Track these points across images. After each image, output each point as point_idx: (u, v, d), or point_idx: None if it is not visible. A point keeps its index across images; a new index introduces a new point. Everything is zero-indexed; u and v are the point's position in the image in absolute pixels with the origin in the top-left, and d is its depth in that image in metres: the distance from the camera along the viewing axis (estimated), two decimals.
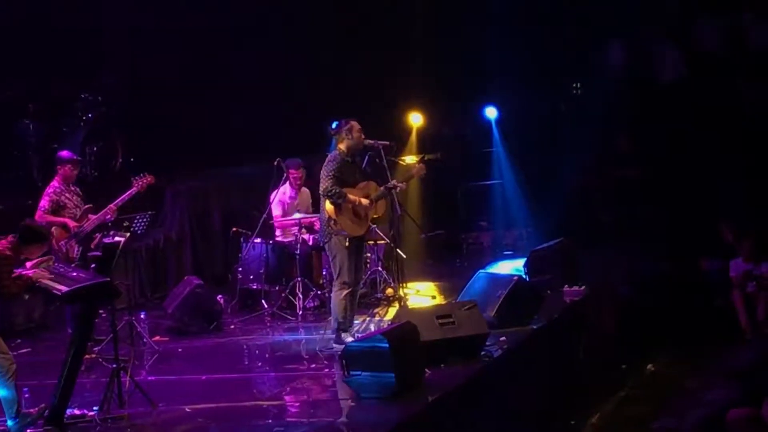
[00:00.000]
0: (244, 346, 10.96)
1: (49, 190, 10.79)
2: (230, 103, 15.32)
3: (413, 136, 15.93)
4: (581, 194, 15.63)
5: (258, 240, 12.21)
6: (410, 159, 14.13)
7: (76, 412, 8.28)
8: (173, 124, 14.63)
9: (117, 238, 9.65)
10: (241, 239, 12.48)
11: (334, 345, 10.12)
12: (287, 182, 12.43)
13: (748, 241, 12.49)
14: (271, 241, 12.33)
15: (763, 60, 15.79)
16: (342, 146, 10.18)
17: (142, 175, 10.91)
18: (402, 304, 11.51)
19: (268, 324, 11.76)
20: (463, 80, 16.52)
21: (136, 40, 14.74)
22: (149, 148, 14.09)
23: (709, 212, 13.83)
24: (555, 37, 16.25)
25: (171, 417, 8.42)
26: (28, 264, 8.20)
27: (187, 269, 13.56)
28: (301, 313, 11.79)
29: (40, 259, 8.26)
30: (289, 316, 11.81)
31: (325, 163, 10.15)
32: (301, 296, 11.85)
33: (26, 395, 8.37)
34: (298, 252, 11.95)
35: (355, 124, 10.21)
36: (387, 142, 11.15)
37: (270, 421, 8.31)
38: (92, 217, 10.68)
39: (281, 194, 12.46)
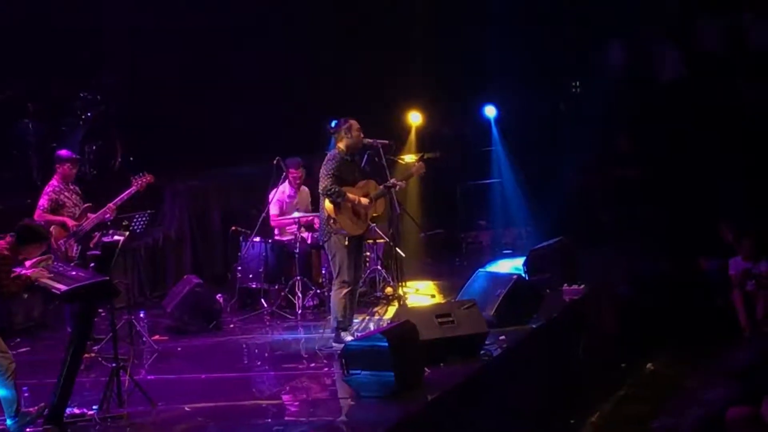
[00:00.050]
0: (244, 345, 10.96)
1: (48, 188, 10.79)
2: (230, 102, 15.32)
3: (412, 135, 15.94)
4: (581, 193, 15.64)
5: (257, 239, 12.21)
6: (409, 158, 14.14)
7: (76, 411, 8.28)
8: (173, 124, 14.63)
9: (116, 237, 9.63)
10: (241, 238, 12.47)
11: (334, 344, 10.12)
12: (286, 181, 12.43)
13: (748, 240, 12.51)
14: (270, 240, 12.33)
15: (763, 60, 15.80)
16: (341, 145, 10.18)
17: (141, 174, 10.90)
18: (401, 303, 11.51)
19: (268, 323, 11.76)
20: (462, 79, 16.53)
21: (136, 40, 14.72)
22: (149, 148, 14.08)
23: (708, 212, 13.83)
24: (554, 37, 16.27)
25: (170, 416, 8.42)
26: (27, 263, 8.20)
27: (187, 268, 13.56)
28: (300, 312, 11.78)
29: (39, 258, 8.25)
30: (288, 315, 11.81)
31: (324, 162, 10.15)
32: (300, 295, 11.85)
33: (26, 394, 8.37)
34: (297, 251, 11.95)
35: (354, 122, 10.21)
36: (386, 141, 11.15)
37: (269, 420, 8.31)
38: (91, 216, 10.68)
39: (280, 193, 12.45)
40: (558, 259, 12.32)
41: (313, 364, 9.94)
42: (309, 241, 12.19)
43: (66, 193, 10.79)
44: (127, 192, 10.78)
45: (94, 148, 13.82)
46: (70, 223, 10.62)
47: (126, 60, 14.82)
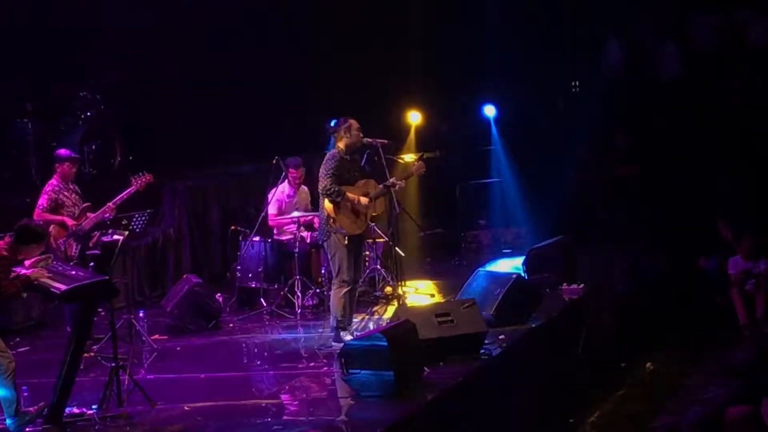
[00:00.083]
0: (243, 345, 10.96)
1: (47, 188, 10.78)
2: (229, 102, 15.30)
3: (412, 135, 15.94)
4: (580, 193, 15.64)
5: (257, 238, 12.21)
6: (409, 157, 14.12)
7: (75, 410, 8.27)
8: (172, 123, 14.62)
9: (115, 237, 9.64)
10: (240, 237, 12.47)
11: (333, 343, 10.12)
12: (286, 181, 12.42)
13: (747, 240, 12.51)
14: (269, 240, 12.33)
15: (762, 57, 15.79)
16: (341, 144, 10.17)
17: (140, 173, 10.90)
18: (401, 302, 11.50)
19: (267, 322, 11.76)
20: (461, 79, 16.54)
21: (136, 40, 14.71)
22: (148, 147, 14.07)
23: (707, 211, 13.84)
24: (553, 36, 16.25)
25: (170, 415, 8.41)
26: (27, 262, 8.19)
27: (186, 267, 13.54)
28: (299, 311, 11.78)
29: (38, 257, 8.24)
30: (287, 315, 11.81)
31: (323, 162, 10.15)
32: (299, 294, 11.84)
33: (25, 394, 8.40)
34: (296, 250, 11.94)
35: (353, 122, 10.20)
36: (385, 141, 11.13)
37: (269, 419, 8.31)
38: (91, 215, 10.67)
39: (279, 193, 12.45)
40: (557, 258, 12.33)
41: (312, 364, 9.93)
42: (308, 241, 12.19)
43: (65, 193, 10.79)
44: (126, 191, 10.77)
45: (93, 147, 13.79)
46: (70, 222, 10.62)
47: (126, 60, 14.80)
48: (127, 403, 8.42)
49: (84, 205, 10.81)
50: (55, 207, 10.68)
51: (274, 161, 12.24)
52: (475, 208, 16.26)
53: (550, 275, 12.06)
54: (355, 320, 10.64)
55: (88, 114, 13.95)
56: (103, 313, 10.13)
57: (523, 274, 11.89)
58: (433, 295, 12.54)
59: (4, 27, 13.42)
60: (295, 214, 12.23)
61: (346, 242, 10.02)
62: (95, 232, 10.40)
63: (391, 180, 10.55)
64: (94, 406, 8.28)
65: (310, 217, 12.16)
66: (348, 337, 9.93)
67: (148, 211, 10.94)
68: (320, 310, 11.80)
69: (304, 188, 12.53)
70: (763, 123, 14.93)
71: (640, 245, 14.29)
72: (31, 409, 8.18)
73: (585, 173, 16.01)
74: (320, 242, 10.53)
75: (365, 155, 11.41)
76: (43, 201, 10.68)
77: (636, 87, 16.42)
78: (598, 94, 16.07)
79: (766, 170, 14.65)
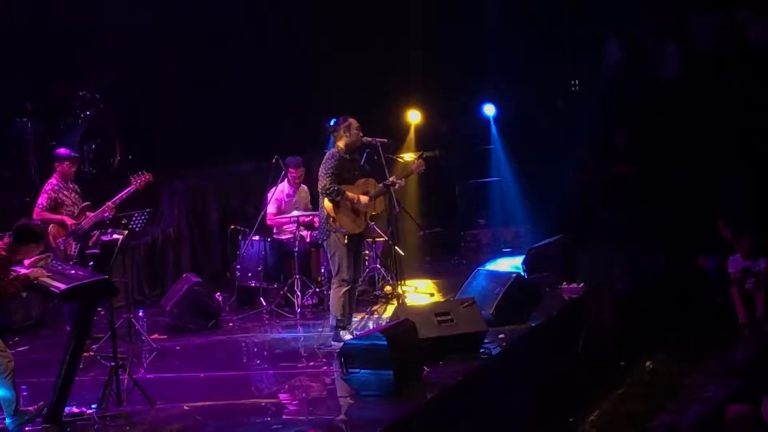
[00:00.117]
0: (243, 344, 10.96)
1: (47, 187, 10.79)
2: (230, 102, 15.30)
3: (411, 134, 15.95)
4: (580, 192, 15.64)
5: (256, 237, 12.21)
6: (409, 156, 14.12)
7: (75, 409, 8.27)
8: (172, 123, 14.61)
9: (115, 236, 9.64)
10: (240, 237, 12.47)
11: (333, 342, 10.12)
12: (285, 180, 12.42)
13: (747, 239, 12.51)
14: (269, 239, 12.33)
15: (762, 57, 15.79)
16: (340, 144, 10.17)
17: (140, 172, 10.91)
18: (400, 301, 11.48)
19: (267, 321, 11.76)
20: (461, 78, 16.54)
21: (136, 40, 14.71)
22: (148, 146, 14.07)
23: (707, 210, 13.84)
24: (553, 36, 16.25)
25: (169, 414, 8.41)
26: (26, 262, 8.19)
27: (186, 267, 13.54)
28: (299, 310, 11.78)
29: (37, 257, 8.24)
30: (287, 314, 11.81)
31: (323, 161, 10.14)
32: (299, 294, 11.84)
33: (25, 393, 8.40)
34: (296, 249, 11.95)
35: (353, 121, 10.20)
36: (385, 140, 11.13)
37: (268, 418, 8.30)
38: (90, 214, 10.67)
39: (279, 192, 12.45)
40: (557, 257, 12.33)
41: (312, 363, 9.93)
42: (308, 240, 12.19)
43: (65, 192, 10.79)
44: (125, 191, 10.78)
45: (93, 146, 13.80)
46: (69, 221, 10.62)
47: (126, 60, 14.80)
48: (126, 402, 8.41)
49: (83, 204, 10.81)
50: (55, 206, 10.69)
51: (273, 160, 12.24)
52: (475, 207, 16.27)
53: (549, 274, 12.07)
54: (354, 319, 10.63)
55: (88, 113, 13.95)
56: (102, 313, 10.13)
57: (522, 274, 11.89)
58: (432, 295, 12.54)
59: (4, 27, 13.42)
60: (295, 213, 12.23)
61: (345, 241, 10.02)
62: (95, 232, 10.41)
63: (390, 179, 10.54)
64: (93, 406, 8.27)
65: (309, 218, 12.15)
66: (347, 337, 9.92)
67: (148, 210, 10.94)
68: (320, 309, 11.80)
69: (304, 187, 12.52)
70: (763, 123, 14.93)
71: (639, 245, 14.29)
72: (30, 408, 8.17)
73: (585, 173, 16.01)
74: (320, 241, 10.53)
75: (365, 154, 11.42)
76: (42, 200, 10.68)
77: (636, 87, 16.42)
78: (598, 93, 16.06)
79: (766, 170, 14.64)
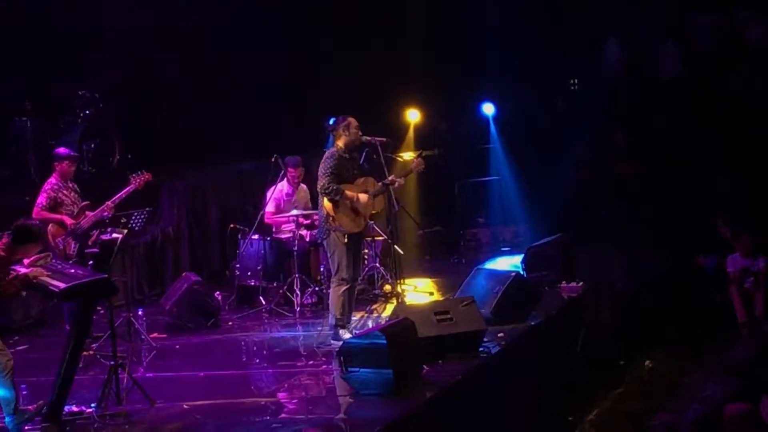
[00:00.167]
0: (242, 343, 10.96)
1: (46, 186, 10.79)
2: (230, 102, 15.30)
3: (411, 133, 15.96)
4: (579, 191, 15.64)
5: (255, 236, 12.21)
6: (408, 155, 14.14)
7: (74, 408, 8.28)
8: (171, 122, 14.61)
9: (114, 235, 9.61)
10: (239, 236, 12.47)
11: (332, 341, 10.12)
12: (285, 179, 12.43)
13: (746, 237, 12.50)
14: (268, 238, 12.33)
15: (762, 57, 15.80)
16: (339, 143, 10.18)
17: (139, 172, 10.91)
18: (400, 300, 11.48)
19: (266, 320, 11.77)
20: (460, 77, 16.55)
21: (136, 40, 14.72)
22: (147, 146, 14.08)
23: (706, 209, 13.83)
24: (553, 35, 16.26)
25: (169, 413, 8.41)
26: (26, 261, 8.19)
27: (185, 266, 13.55)
28: (298, 309, 11.79)
29: (37, 256, 8.24)
30: (286, 313, 11.82)
31: (322, 160, 10.15)
32: (298, 293, 11.85)
33: (24, 392, 8.38)
34: (295, 248, 11.95)
35: (352, 120, 10.21)
36: (384, 139, 11.12)
37: (268, 417, 8.31)
38: (89, 214, 10.68)
39: (278, 191, 12.46)
40: (556, 256, 12.34)
41: (311, 362, 9.93)
42: (307, 239, 12.19)
43: (64, 191, 10.80)
44: (125, 190, 10.78)
45: (92, 146, 13.80)
46: (69, 221, 10.63)
47: (126, 60, 14.80)
48: (126, 401, 8.42)
49: (83, 203, 10.82)
50: (54, 205, 10.69)
51: (273, 159, 12.25)
52: (474, 206, 16.27)
53: (549, 273, 12.07)
54: (354, 318, 10.64)
55: (87, 112, 13.95)
56: (102, 312, 10.13)
57: (522, 272, 11.89)
58: (432, 293, 12.54)
59: (4, 27, 13.42)
60: (294, 212, 12.24)
61: (345, 240, 10.02)
62: (94, 231, 10.42)
63: (390, 178, 10.53)
64: (93, 405, 8.28)
65: (308, 221, 12.15)
66: (347, 336, 9.92)
67: (147, 209, 10.95)
68: (319, 308, 11.80)
69: (303, 187, 12.53)
70: (763, 123, 14.93)
71: (639, 244, 14.29)
72: (30, 407, 8.18)
73: (584, 172, 16.01)
74: (319, 240, 10.54)
75: (364, 153, 11.41)
76: (42, 199, 10.69)
77: (636, 87, 16.42)
78: (597, 93, 16.06)
79: (766, 170, 14.64)
